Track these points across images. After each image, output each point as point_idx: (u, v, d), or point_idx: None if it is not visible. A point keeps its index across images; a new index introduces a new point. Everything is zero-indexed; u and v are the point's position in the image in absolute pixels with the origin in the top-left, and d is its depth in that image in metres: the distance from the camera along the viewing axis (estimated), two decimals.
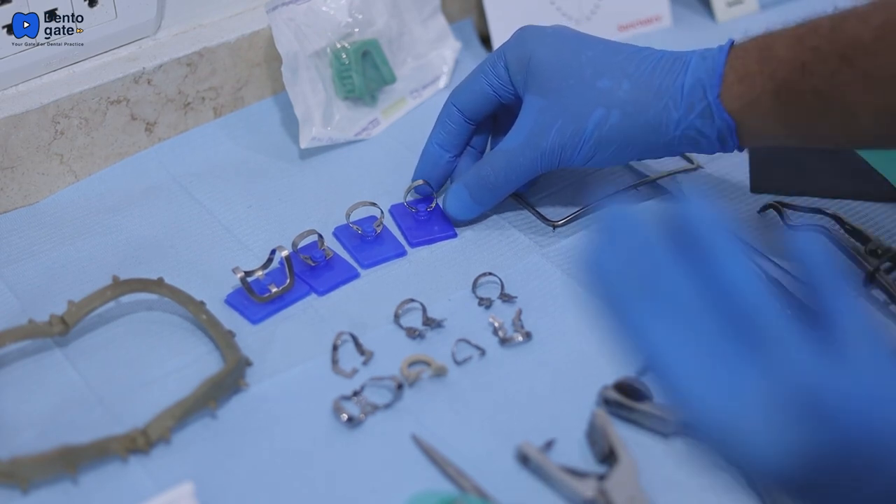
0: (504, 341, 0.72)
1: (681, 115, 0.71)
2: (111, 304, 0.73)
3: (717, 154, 0.85)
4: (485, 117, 0.80)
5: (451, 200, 0.79)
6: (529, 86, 0.75)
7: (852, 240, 0.77)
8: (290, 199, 0.84)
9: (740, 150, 0.73)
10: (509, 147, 0.76)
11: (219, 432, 0.67)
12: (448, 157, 0.80)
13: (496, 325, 0.72)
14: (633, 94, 0.72)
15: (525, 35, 0.77)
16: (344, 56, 0.88)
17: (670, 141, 0.73)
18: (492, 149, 0.83)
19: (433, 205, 0.81)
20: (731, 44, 0.71)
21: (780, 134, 0.71)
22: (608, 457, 0.64)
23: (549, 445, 0.65)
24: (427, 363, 0.70)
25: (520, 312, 0.73)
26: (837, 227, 0.78)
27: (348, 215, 0.80)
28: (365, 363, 0.71)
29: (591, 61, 0.74)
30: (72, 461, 0.63)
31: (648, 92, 0.72)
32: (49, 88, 0.81)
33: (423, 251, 0.79)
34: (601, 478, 0.63)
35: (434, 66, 0.95)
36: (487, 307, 0.74)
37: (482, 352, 0.71)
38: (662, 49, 0.74)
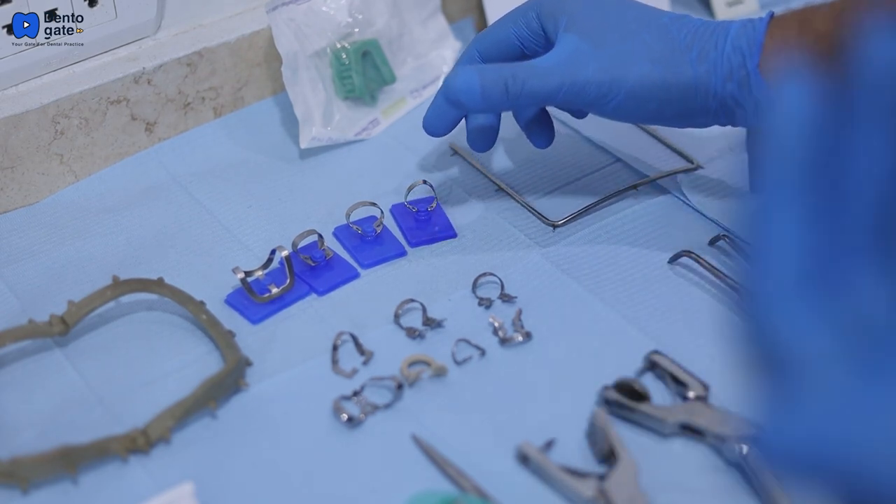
0: (504, 341, 0.72)
1: (720, 82, 0.70)
2: (111, 304, 0.73)
3: (717, 154, 0.86)
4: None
5: (459, 79, 0.71)
6: (567, 30, 0.72)
7: None
8: (290, 199, 0.84)
9: None
10: (540, 65, 0.72)
11: (219, 432, 0.67)
12: None
13: (496, 325, 0.72)
14: (677, 55, 0.71)
15: None
16: (344, 56, 0.88)
17: (706, 108, 0.72)
18: None
19: (434, 204, 0.81)
20: (771, 15, 0.70)
21: None
22: (608, 457, 0.64)
23: (549, 445, 0.65)
24: (427, 363, 0.70)
25: (520, 312, 0.73)
26: None
27: (348, 215, 0.80)
28: (365, 363, 0.71)
29: (636, 19, 0.72)
30: (72, 461, 0.63)
31: (691, 55, 0.71)
32: (49, 88, 0.81)
33: (423, 251, 0.79)
34: (601, 478, 0.63)
35: (434, 66, 0.95)
36: (487, 307, 0.74)
37: (482, 352, 0.71)
38: (702, 18, 0.73)
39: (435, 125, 0.77)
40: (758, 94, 0.70)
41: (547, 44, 0.75)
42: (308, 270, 0.77)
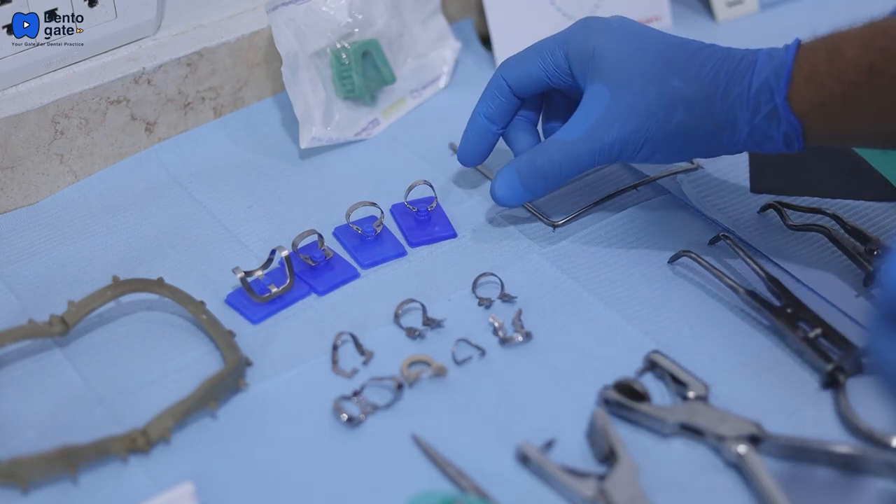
0: (504, 341, 0.72)
1: (747, 117, 0.70)
2: (111, 304, 0.73)
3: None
4: (534, 95, 0.79)
5: (500, 185, 0.77)
6: (593, 77, 0.73)
7: (852, 240, 0.77)
8: (290, 199, 0.84)
9: (804, 150, 0.71)
10: (568, 139, 0.74)
11: (219, 432, 0.67)
12: (495, 130, 0.79)
13: (496, 325, 0.72)
14: (699, 94, 0.70)
15: (589, 26, 0.75)
16: (344, 56, 0.88)
17: (735, 142, 0.71)
18: (543, 126, 0.81)
19: (434, 204, 0.81)
20: (798, 43, 0.69)
21: (847, 135, 0.70)
22: (608, 457, 0.64)
23: (549, 445, 0.65)
24: (427, 363, 0.70)
25: (520, 312, 0.73)
26: (837, 227, 0.78)
27: (348, 215, 0.80)
28: (365, 363, 0.71)
29: (658, 58, 0.72)
30: (72, 461, 0.63)
31: (714, 93, 0.70)
32: (49, 88, 0.81)
33: (423, 251, 0.79)
34: (601, 478, 0.63)
35: (434, 66, 0.95)
36: (487, 307, 0.74)
37: (482, 352, 0.71)
38: (727, 47, 0.72)
39: (471, 156, 0.81)
40: (786, 126, 0.69)
41: (573, 82, 0.75)
42: (308, 270, 0.77)
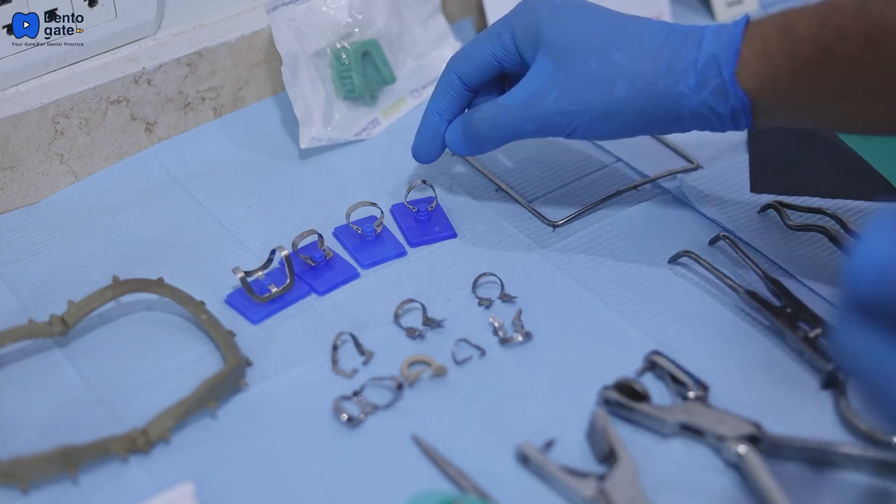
0: (504, 341, 0.72)
1: (692, 91, 0.69)
2: (111, 304, 0.73)
3: (718, 154, 0.86)
4: (486, 83, 0.79)
5: (450, 132, 0.78)
6: (539, 51, 0.73)
7: (852, 240, 0.77)
8: (290, 199, 0.84)
9: (752, 129, 0.71)
10: (505, 103, 0.74)
11: (219, 432, 0.67)
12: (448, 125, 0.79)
13: (496, 325, 0.72)
14: (640, 68, 0.70)
15: (532, 3, 0.74)
16: (344, 56, 0.88)
17: (680, 117, 0.71)
18: None
19: (434, 204, 0.81)
20: (747, 20, 0.69)
21: (797, 115, 0.69)
22: (608, 457, 0.64)
23: (549, 445, 0.65)
24: (427, 363, 0.70)
25: (520, 312, 0.73)
26: (837, 227, 0.78)
27: (348, 215, 0.80)
28: (365, 363, 0.71)
29: (601, 32, 0.71)
30: (72, 461, 0.63)
31: (658, 66, 0.69)
32: (49, 88, 0.81)
33: (423, 251, 0.79)
34: (601, 478, 0.63)
35: (434, 66, 0.95)
36: (487, 307, 0.74)
37: (482, 352, 0.71)
38: (675, 23, 0.72)
39: (425, 152, 0.80)
40: (734, 102, 0.68)
41: (523, 64, 0.75)
42: (308, 270, 0.77)
